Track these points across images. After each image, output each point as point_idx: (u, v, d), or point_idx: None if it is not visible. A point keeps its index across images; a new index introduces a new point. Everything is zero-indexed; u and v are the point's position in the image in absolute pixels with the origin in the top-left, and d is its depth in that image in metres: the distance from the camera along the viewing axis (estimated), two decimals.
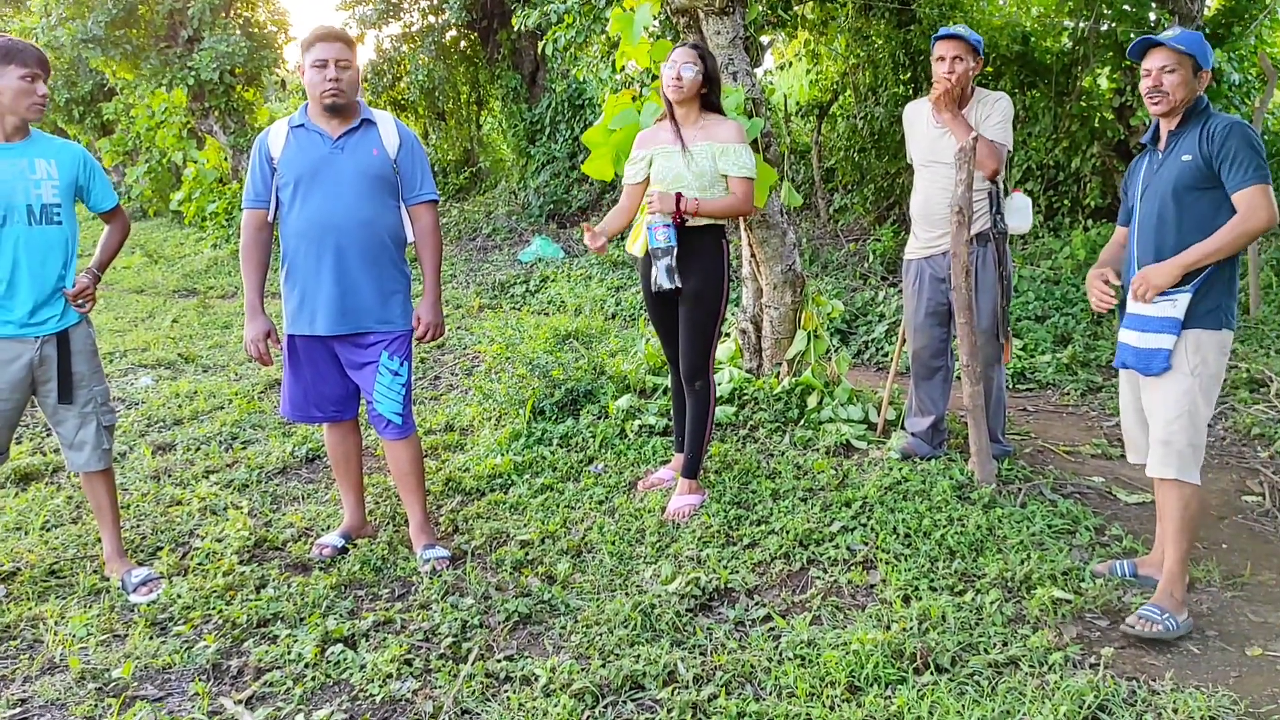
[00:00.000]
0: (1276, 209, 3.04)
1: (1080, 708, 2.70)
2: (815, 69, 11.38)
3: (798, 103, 11.98)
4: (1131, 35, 7.96)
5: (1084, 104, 8.84)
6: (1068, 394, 5.97)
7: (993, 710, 2.70)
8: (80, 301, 3.56)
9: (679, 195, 3.96)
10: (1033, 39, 9.31)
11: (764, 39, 11.06)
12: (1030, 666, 2.92)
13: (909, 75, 9.96)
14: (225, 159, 14.73)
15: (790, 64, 11.83)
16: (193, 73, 14.02)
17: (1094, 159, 8.58)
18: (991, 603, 3.27)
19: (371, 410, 3.80)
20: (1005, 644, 3.05)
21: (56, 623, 3.43)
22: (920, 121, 4.51)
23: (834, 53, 11.03)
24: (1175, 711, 2.70)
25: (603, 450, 4.96)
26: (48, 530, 4.31)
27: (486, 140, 18.05)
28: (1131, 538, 3.86)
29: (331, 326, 3.66)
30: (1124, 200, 3.51)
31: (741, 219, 5.12)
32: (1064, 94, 8.96)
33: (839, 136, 11.29)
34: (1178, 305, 3.12)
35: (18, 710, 2.95)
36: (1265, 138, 7.56)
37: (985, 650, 3.01)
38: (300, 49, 3.65)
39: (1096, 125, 8.62)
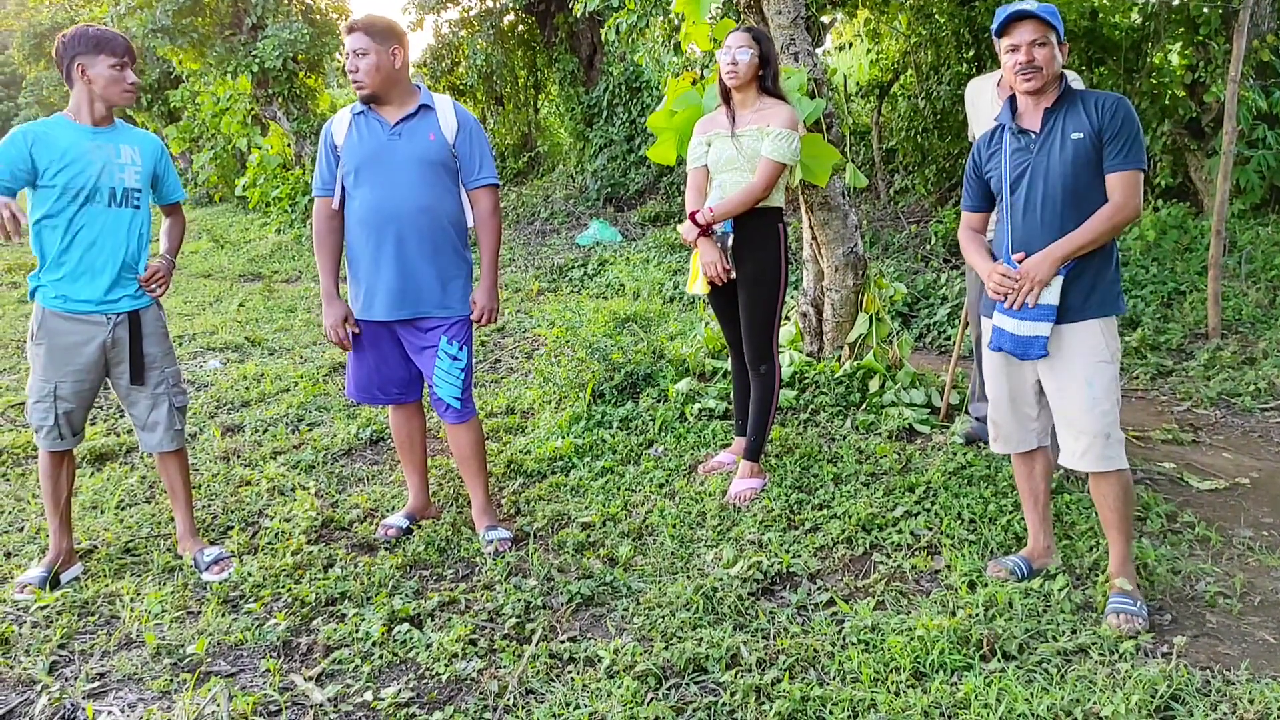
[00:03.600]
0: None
1: (1152, 697, 2.65)
2: (876, 48, 11.22)
3: (858, 83, 11.83)
4: (1205, 10, 7.74)
5: (1154, 81, 8.61)
6: (1137, 378, 5.85)
7: (1062, 699, 2.65)
8: (154, 285, 3.65)
9: (693, 214, 4.04)
10: (1101, 15, 9.08)
11: (825, 19, 10.94)
12: (1100, 655, 2.87)
13: (972, 54, 9.79)
14: (288, 145, 14.94)
15: (850, 44, 11.68)
16: (256, 60, 14.22)
17: (1164, 137, 8.36)
18: (1059, 589, 3.21)
19: (432, 394, 3.84)
20: (1074, 632, 3.00)
21: (132, 599, 3.52)
22: (984, 99, 4.42)
23: (895, 31, 10.87)
24: (1251, 702, 2.63)
25: (662, 433, 4.96)
26: (123, 509, 4.42)
27: (544, 124, 18.08)
28: (1205, 524, 3.77)
29: (390, 312, 3.70)
30: (974, 183, 3.33)
31: (803, 201, 5.09)
32: (1133, 71, 8.74)
33: (900, 117, 11.13)
34: (1053, 291, 3.02)
35: (97, 683, 3.03)
36: None
37: (1054, 638, 2.97)
38: None
39: (1167, 103, 8.39)
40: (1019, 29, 3.05)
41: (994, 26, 3.15)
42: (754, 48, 3.99)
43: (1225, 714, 2.60)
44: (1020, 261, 3.10)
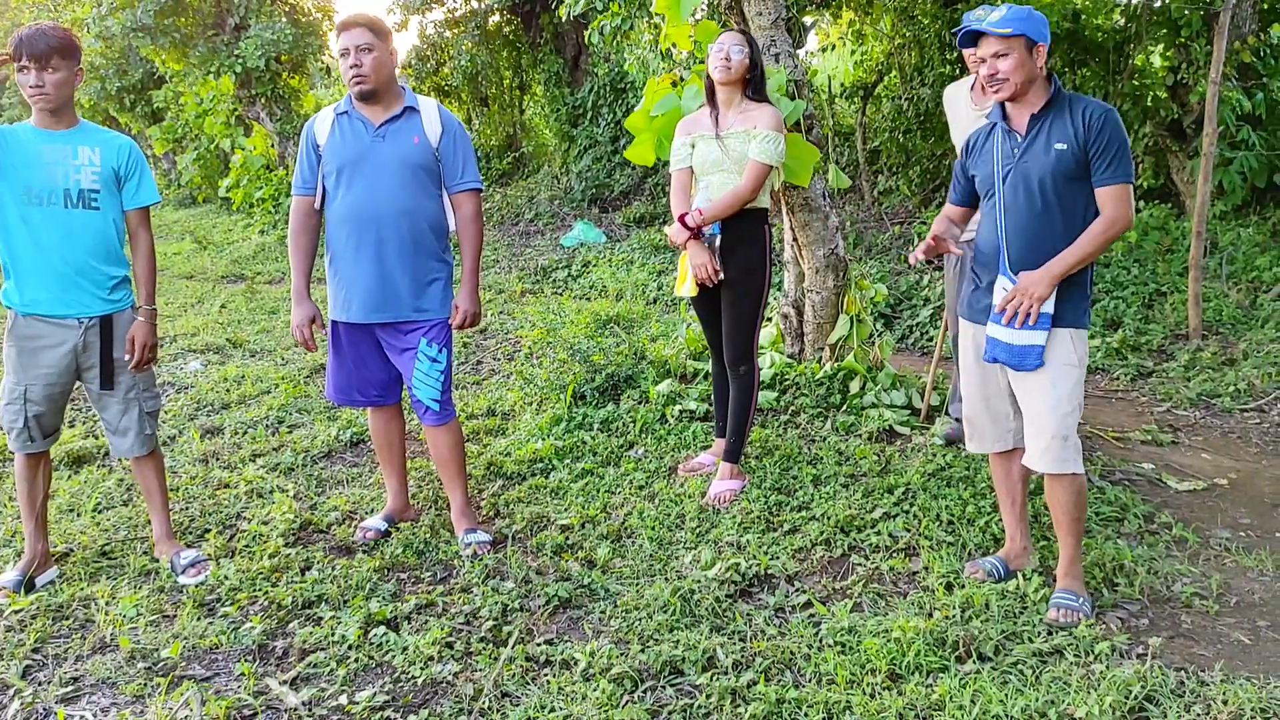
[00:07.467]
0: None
1: (1126, 698, 2.65)
2: (860, 49, 11.25)
3: (842, 84, 11.85)
4: (1186, 12, 7.78)
5: (1136, 83, 8.65)
6: (1117, 379, 5.87)
7: (1036, 700, 2.66)
8: (141, 359, 3.62)
9: (683, 217, 4.03)
10: (1083, 16, 9.12)
11: (807, 20, 10.95)
12: (1075, 656, 2.88)
13: (955, 55, 9.80)
14: (272, 145, 14.88)
15: (834, 46, 11.70)
16: (239, 60, 14.17)
17: (1146, 139, 8.40)
18: (1035, 591, 3.22)
19: (412, 396, 3.82)
20: (1050, 633, 3.01)
21: (107, 603, 3.49)
22: (960, 103, 4.43)
23: (879, 33, 10.90)
24: (1225, 703, 2.64)
25: (643, 435, 4.95)
26: (99, 512, 4.39)
27: (529, 125, 18.05)
28: (1182, 525, 3.79)
29: (368, 314, 3.69)
30: (960, 179, 3.37)
31: (785, 202, 5.09)
32: (1115, 73, 8.78)
33: (884, 118, 11.16)
34: (1048, 302, 3.05)
35: (70, 688, 3.01)
36: None
37: (1029, 639, 2.98)
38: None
39: (1149, 104, 8.44)
40: (984, 42, 3.07)
41: (959, 39, 3.17)
42: (746, 48, 4.00)
43: (1199, 715, 2.61)
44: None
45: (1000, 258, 3.15)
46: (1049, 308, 3.05)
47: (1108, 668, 2.80)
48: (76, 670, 3.10)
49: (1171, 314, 6.60)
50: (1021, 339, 3.09)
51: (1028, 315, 3.04)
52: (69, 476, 4.87)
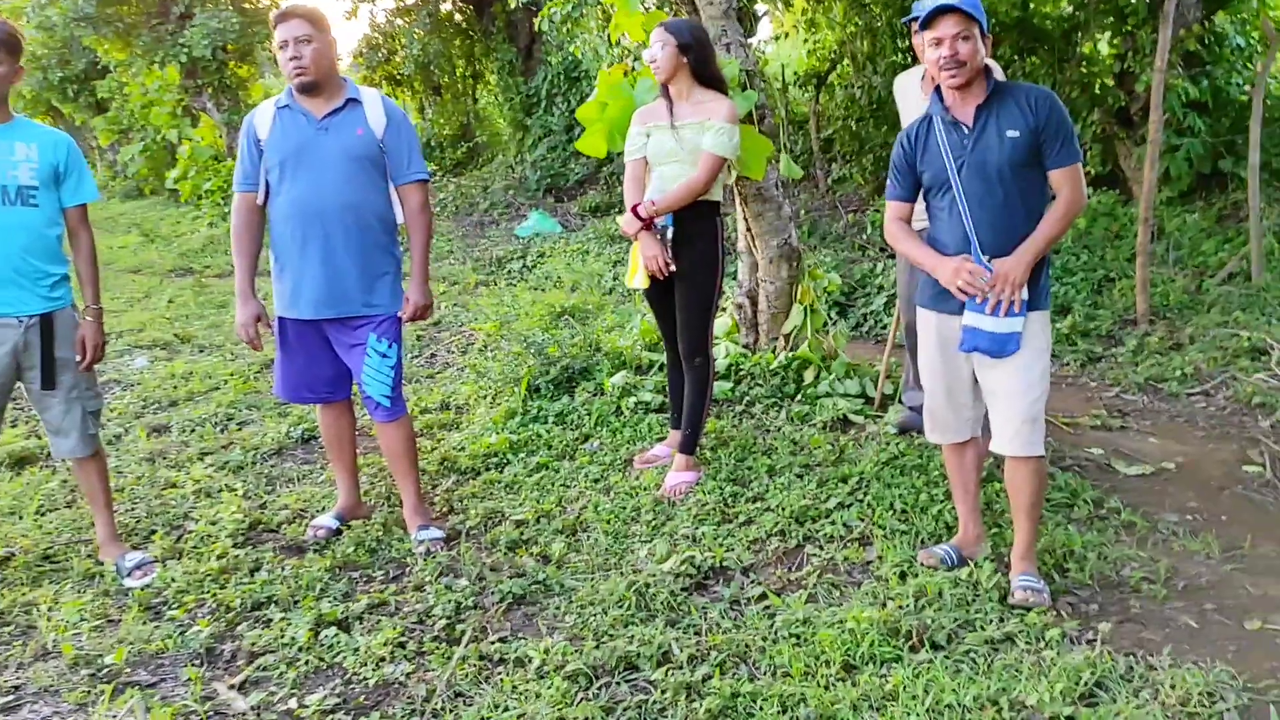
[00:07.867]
0: None
1: (1077, 684, 2.68)
2: (813, 38, 11.27)
3: (795, 73, 11.87)
4: (1132, 0, 7.86)
5: (1084, 70, 8.73)
6: (1067, 365, 5.93)
7: (988, 687, 2.68)
8: (89, 358, 3.57)
9: (635, 207, 4.01)
10: (1032, 4, 9.20)
11: (759, 8, 10.95)
12: (1027, 643, 2.90)
13: (907, 44, 9.84)
14: (220, 136, 14.65)
15: (787, 34, 11.72)
16: (185, 50, 13.92)
17: (1094, 126, 8.48)
18: (988, 578, 3.24)
19: (362, 392, 3.77)
20: (1002, 620, 3.03)
21: (50, 608, 3.41)
22: (911, 92, 4.44)
23: (831, 21, 10.92)
24: (1173, 687, 2.67)
25: (598, 428, 4.93)
26: (42, 515, 4.29)
27: (483, 114, 17.92)
28: (1131, 510, 3.83)
29: (316, 311, 3.63)
30: (905, 175, 3.32)
31: (738, 193, 5.08)
32: (1064, 60, 8.86)
33: (837, 106, 11.19)
34: (1024, 289, 3.09)
35: (11, 697, 2.94)
36: (1268, 101, 7.47)
37: (981, 627, 2.99)
38: None
39: (1097, 92, 8.53)
40: (942, 23, 3.03)
41: (919, 20, 3.13)
42: (668, 39, 3.97)
43: (1147, 700, 2.64)
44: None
45: (972, 248, 3.14)
46: (1025, 294, 3.07)
47: (1059, 654, 2.82)
48: (17, 678, 3.03)
49: (1120, 299, 6.69)
50: (1003, 326, 3.09)
51: (1012, 302, 3.05)
52: (10, 478, 4.75)
